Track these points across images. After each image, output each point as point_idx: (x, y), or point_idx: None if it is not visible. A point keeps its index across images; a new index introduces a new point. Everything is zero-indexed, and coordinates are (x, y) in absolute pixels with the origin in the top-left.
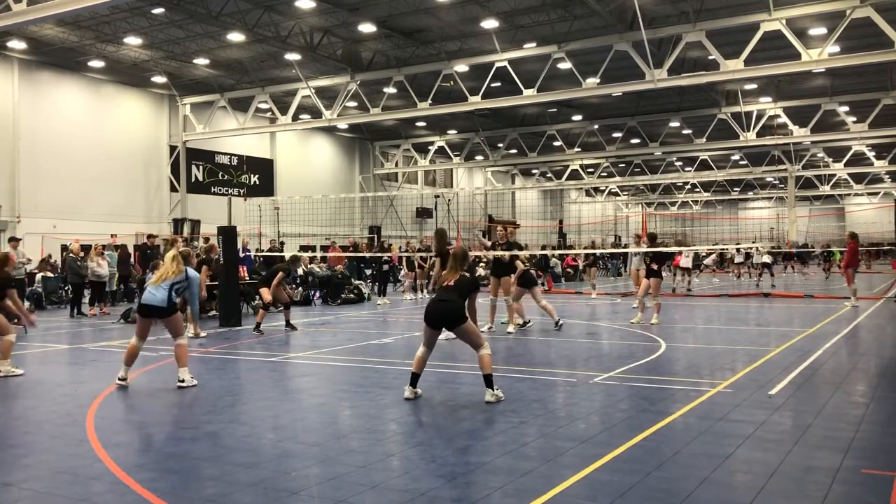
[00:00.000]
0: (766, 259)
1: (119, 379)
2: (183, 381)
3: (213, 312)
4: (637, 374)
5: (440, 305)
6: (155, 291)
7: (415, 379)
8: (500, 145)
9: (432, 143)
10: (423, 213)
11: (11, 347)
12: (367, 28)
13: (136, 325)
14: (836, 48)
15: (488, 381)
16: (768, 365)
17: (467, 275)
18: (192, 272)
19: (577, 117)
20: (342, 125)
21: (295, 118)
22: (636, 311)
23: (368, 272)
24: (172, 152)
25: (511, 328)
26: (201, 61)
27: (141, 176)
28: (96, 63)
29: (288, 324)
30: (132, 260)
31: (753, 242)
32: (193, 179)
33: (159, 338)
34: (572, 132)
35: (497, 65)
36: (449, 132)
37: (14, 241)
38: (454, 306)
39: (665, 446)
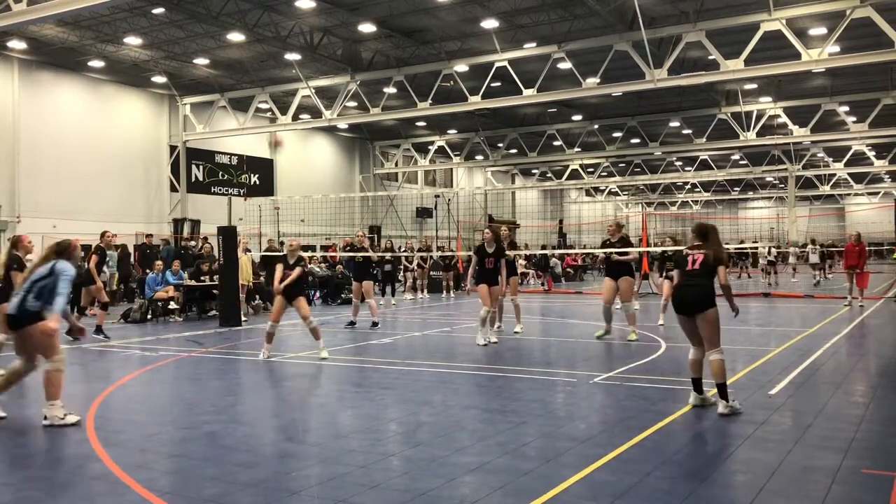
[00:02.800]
0: (772, 258)
1: None
2: (48, 419)
3: (213, 312)
4: (637, 374)
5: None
6: (14, 297)
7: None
8: (500, 145)
9: (432, 142)
10: (423, 213)
11: None
12: (367, 28)
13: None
14: (836, 48)
15: (722, 391)
16: (768, 365)
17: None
18: (61, 265)
19: (577, 117)
20: (342, 125)
21: (295, 118)
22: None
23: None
24: (172, 152)
25: (518, 328)
26: (201, 61)
27: (141, 176)
28: (96, 63)
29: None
30: (132, 260)
31: (770, 243)
32: (193, 179)
33: (158, 337)
34: (572, 132)
35: (497, 65)
36: (449, 132)
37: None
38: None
39: (665, 446)
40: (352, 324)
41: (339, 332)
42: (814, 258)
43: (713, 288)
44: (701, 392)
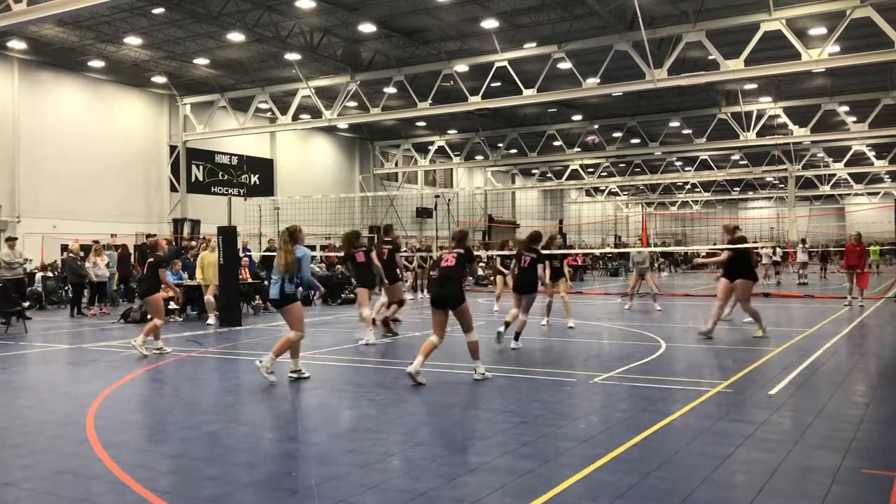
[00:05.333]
0: (777, 258)
1: None
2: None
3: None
4: (637, 374)
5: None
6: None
7: None
8: (500, 145)
9: (432, 142)
10: (423, 213)
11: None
12: (367, 28)
13: None
14: (836, 48)
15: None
16: (768, 365)
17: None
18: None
19: (577, 117)
20: (342, 125)
21: (295, 118)
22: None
23: None
24: (172, 152)
25: (571, 323)
26: (201, 61)
27: (141, 176)
28: (96, 63)
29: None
30: (132, 260)
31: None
32: (193, 179)
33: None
34: (572, 132)
35: (497, 65)
36: (449, 132)
37: (11, 240)
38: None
39: (665, 446)
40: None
41: (338, 332)
42: (802, 257)
43: None
44: None
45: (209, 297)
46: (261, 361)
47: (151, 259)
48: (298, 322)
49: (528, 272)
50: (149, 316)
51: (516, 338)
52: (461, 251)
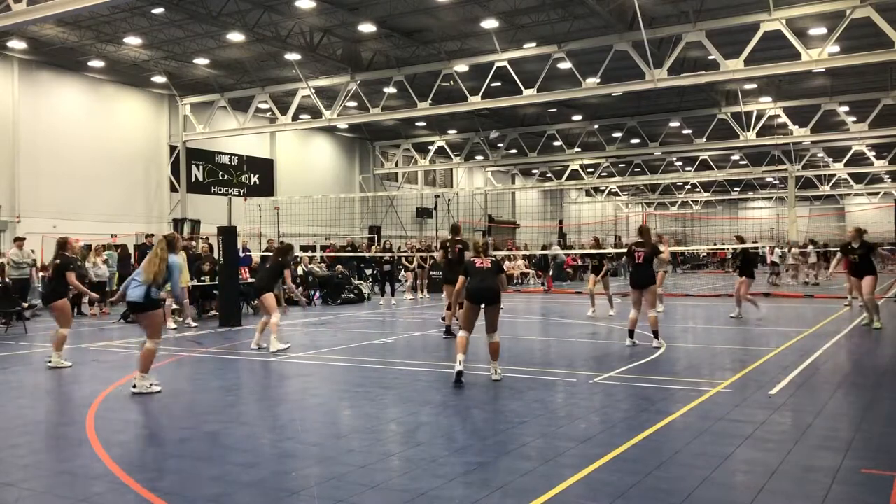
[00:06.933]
0: (776, 258)
1: None
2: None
3: (213, 312)
4: (637, 374)
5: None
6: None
7: None
8: (501, 145)
9: (432, 143)
10: (423, 213)
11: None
12: (367, 28)
13: None
14: (836, 48)
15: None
16: (768, 365)
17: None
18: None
19: (577, 117)
20: (342, 125)
21: (295, 118)
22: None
23: (369, 272)
24: (172, 152)
25: (612, 311)
26: (201, 61)
27: (141, 176)
28: (96, 63)
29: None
30: (132, 260)
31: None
32: (193, 179)
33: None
34: (572, 132)
35: (497, 65)
36: (449, 132)
37: (19, 240)
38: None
39: (665, 446)
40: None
41: (339, 332)
42: (812, 258)
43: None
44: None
45: (171, 301)
46: (134, 387)
47: (58, 261)
48: (157, 329)
49: (644, 267)
50: (58, 327)
51: (656, 336)
52: (493, 259)
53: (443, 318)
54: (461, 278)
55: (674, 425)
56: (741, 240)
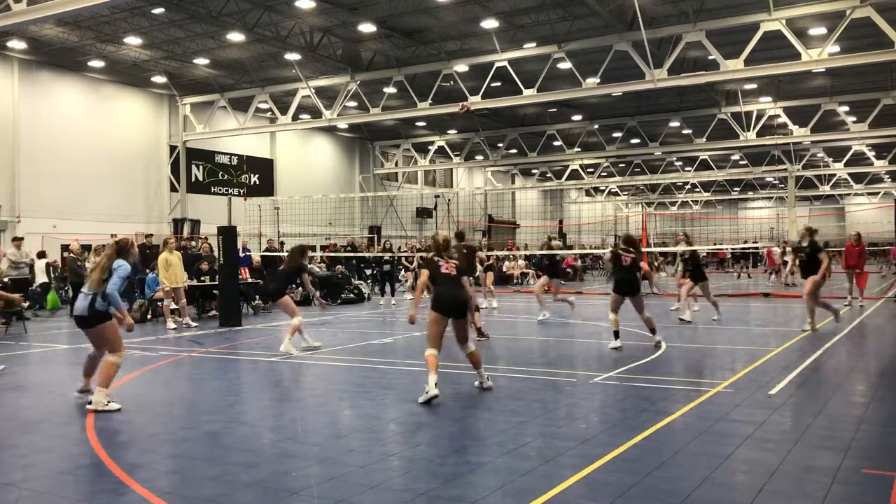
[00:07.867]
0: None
1: None
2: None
3: (213, 312)
4: (637, 374)
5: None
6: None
7: None
8: (501, 145)
9: (432, 143)
10: (423, 213)
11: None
12: (367, 28)
13: None
14: (836, 48)
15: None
16: (768, 365)
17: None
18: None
19: (577, 117)
20: (342, 125)
21: (295, 118)
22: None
23: (368, 272)
24: (172, 152)
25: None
26: (201, 61)
27: (141, 176)
28: (96, 63)
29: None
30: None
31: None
32: (193, 179)
33: (158, 337)
34: (572, 132)
35: (497, 65)
36: (449, 132)
37: (17, 240)
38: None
39: (665, 446)
40: None
41: (339, 332)
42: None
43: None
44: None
45: (170, 302)
46: (90, 403)
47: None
48: (116, 342)
49: (630, 272)
50: None
51: (653, 332)
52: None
53: None
54: (424, 272)
55: (674, 425)
56: (688, 241)
